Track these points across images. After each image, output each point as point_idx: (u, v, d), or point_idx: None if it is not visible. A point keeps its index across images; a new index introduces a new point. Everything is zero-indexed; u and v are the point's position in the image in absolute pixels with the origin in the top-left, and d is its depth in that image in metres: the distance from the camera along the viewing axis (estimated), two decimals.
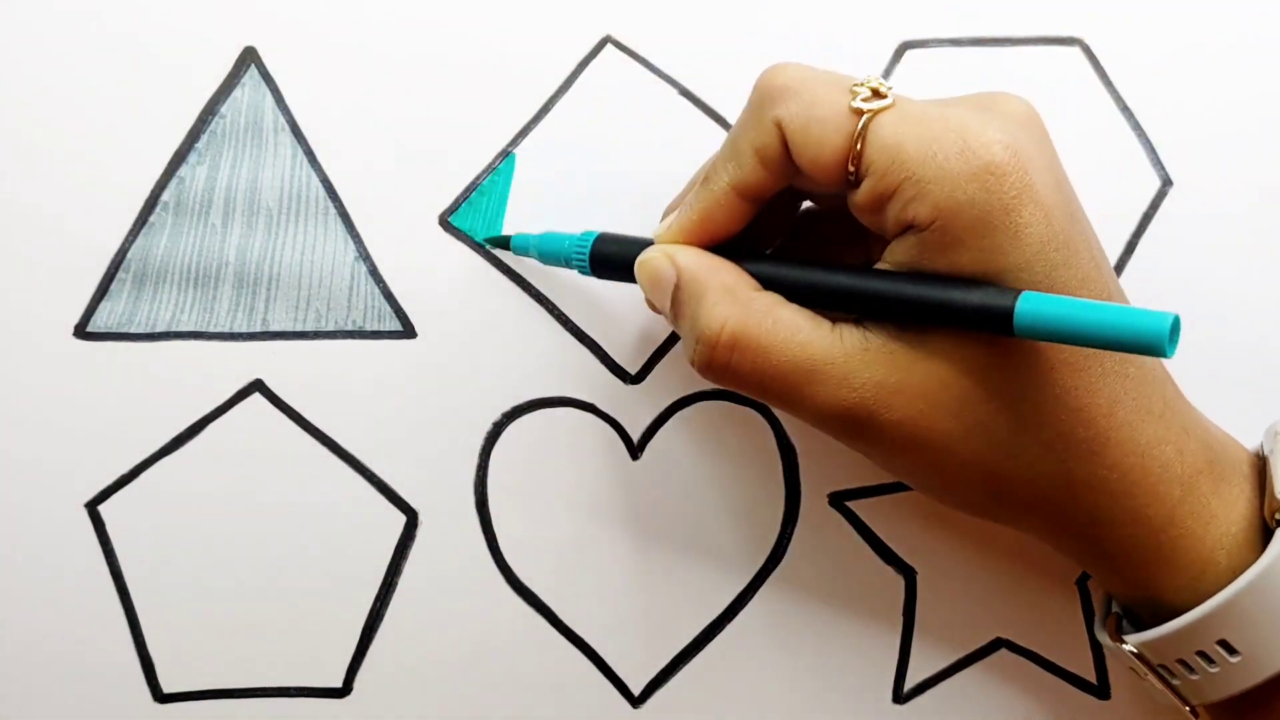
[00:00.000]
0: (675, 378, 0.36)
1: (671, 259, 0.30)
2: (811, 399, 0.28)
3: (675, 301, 0.29)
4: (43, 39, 0.35)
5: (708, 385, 0.35)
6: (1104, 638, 0.31)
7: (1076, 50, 0.36)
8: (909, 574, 0.36)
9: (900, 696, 0.36)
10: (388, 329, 0.35)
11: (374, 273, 0.35)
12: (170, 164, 0.35)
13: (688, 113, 0.36)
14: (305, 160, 0.35)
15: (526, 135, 0.36)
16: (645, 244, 0.31)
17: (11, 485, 0.35)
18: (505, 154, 0.36)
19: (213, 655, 0.35)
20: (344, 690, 0.35)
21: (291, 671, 0.35)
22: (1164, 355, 0.24)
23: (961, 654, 0.36)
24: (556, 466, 0.35)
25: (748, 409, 0.36)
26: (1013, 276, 0.26)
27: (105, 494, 0.35)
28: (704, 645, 0.36)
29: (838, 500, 0.36)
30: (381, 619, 0.35)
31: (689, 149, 0.36)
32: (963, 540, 0.36)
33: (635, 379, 0.36)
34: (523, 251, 0.34)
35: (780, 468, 0.36)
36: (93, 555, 0.35)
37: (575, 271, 0.33)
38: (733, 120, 0.36)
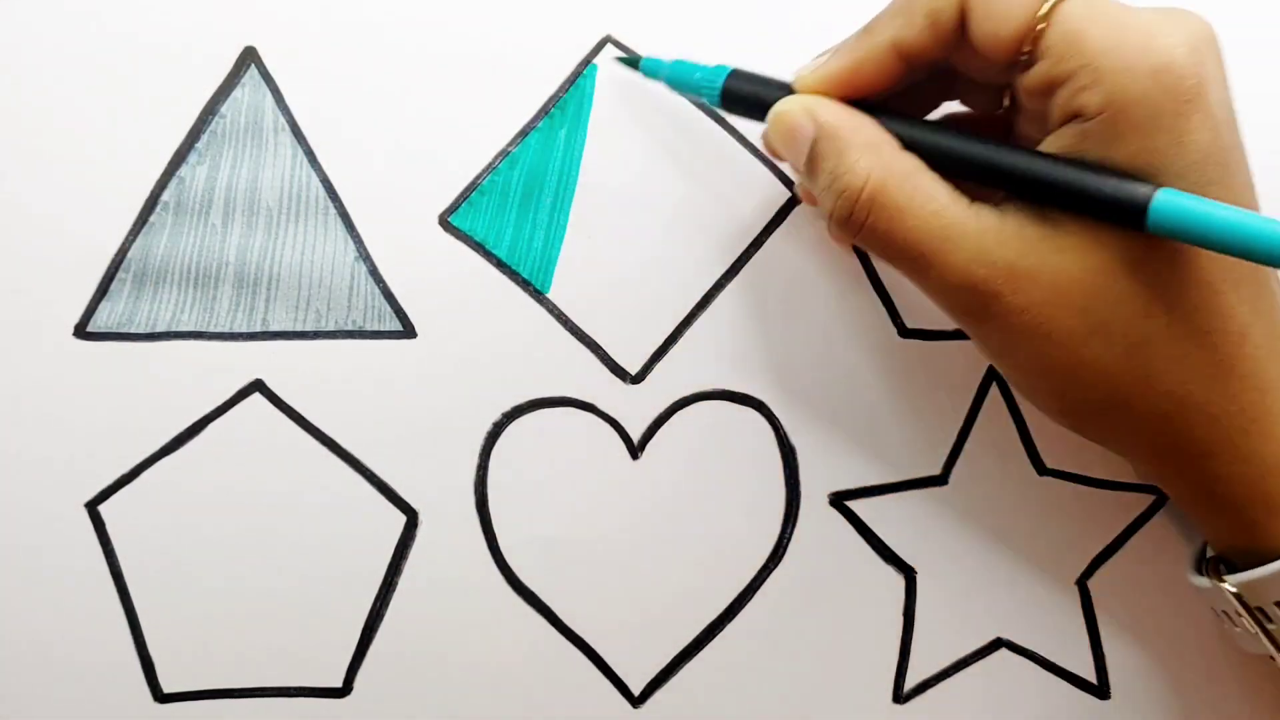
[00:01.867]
0: (675, 378, 0.36)
1: (812, 114, 0.29)
2: (941, 269, 0.27)
3: (813, 155, 0.29)
4: (42, 39, 0.35)
5: (708, 385, 0.35)
6: (1199, 580, 0.31)
7: None
8: (909, 574, 0.36)
9: (900, 696, 0.36)
10: (388, 329, 0.35)
11: (374, 273, 0.35)
12: (170, 164, 0.35)
13: (688, 112, 0.36)
14: (305, 160, 0.35)
15: (527, 135, 0.36)
16: (782, 87, 0.30)
17: (11, 485, 0.35)
18: (504, 154, 0.36)
19: (213, 655, 0.35)
20: (344, 690, 0.35)
21: (291, 671, 0.35)
22: None
23: (961, 654, 0.36)
24: (556, 466, 0.35)
25: (748, 409, 0.36)
26: (1168, 181, 0.26)
27: (105, 494, 0.35)
28: (704, 645, 0.36)
29: (838, 500, 0.36)
30: (381, 619, 0.35)
31: (688, 148, 0.36)
32: (963, 540, 0.36)
33: (635, 379, 0.36)
34: (652, 75, 0.34)
35: (780, 468, 0.36)
36: (93, 555, 0.35)
37: (705, 100, 0.32)
38: (733, 119, 0.36)
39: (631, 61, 0.35)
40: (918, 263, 0.28)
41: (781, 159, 0.30)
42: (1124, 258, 0.27)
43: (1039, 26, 0.27)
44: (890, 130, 0.29)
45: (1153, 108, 0.26)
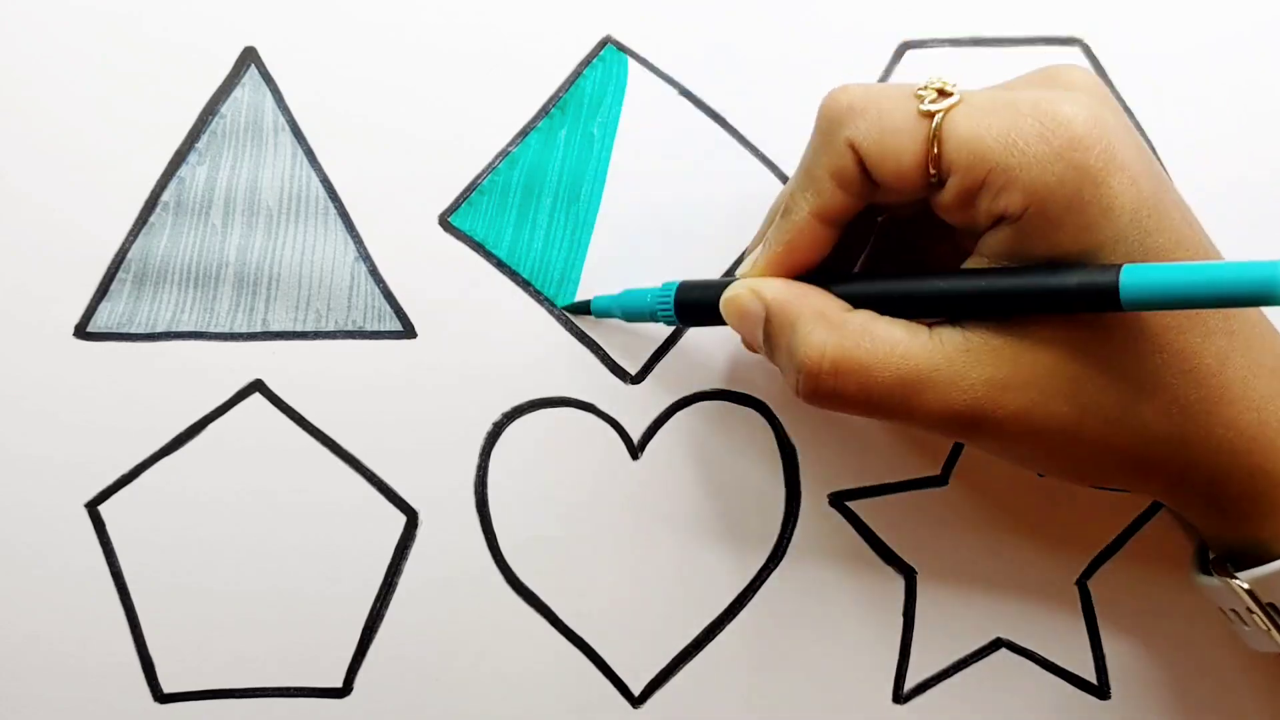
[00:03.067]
0: (675, 378, 0.36)
1: (757, 292, 0.30)
2: (922, 408, 0.28)
3: (767, 334, 0.29)
4: (42, 39, 0.35)
5: (707, 385, 0.35)
6: (1204, 579, 0.31)
7: (1076, 50, 0.36)
8: (909, 574, 0.36)
9: (900, 696, 0.36)
10: (388, 329, 0.35)
11: (374, 273, 0.35)
12: (170, 164, 0.35)
13: (688, 113, 0.36)
14: (305, 160, 0.35)
15: (527, 135, 0.36)
16: (729, 285, 0.31)
17: (12, 485, 0.35)
18: (504, 154, 0.36)
19: (213, 655, 0.35)
20: (344, 690, 0.35)
21: (291, 671, 0.35)
22: (1275, 303, 0.23)
23: (961, 654, 0.36)
24: (556, 466, 0.35)
25: (748, 409, 0.36)
26: (1109, 249, 0.26)
27: (105, 494, 0.35)
28: (704, 645, 0.36)
29: (838, 500, 0.36)
30: (381, 619, 0.35)
31: (689, 149, 0.36)
32: (963, 540, 0.36)
33: (635, 379, 0.36)
34: (604, 314, 0.35)
35: (780, 468, 0.36)
36: (93, 555, 0.35)
37: (662, 325, 0.33)
38: (732, 119, 0.36)
39: (581, 306, 0.35)
40: (898, 410, 0.28)
41: (753, 349, 0.31)
42: (1092, 333, 0.27)
43: (934, 149, 0.27)
44: (837, 292, 0.29)
45: (1072, 188, 0.26)
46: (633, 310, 0.34)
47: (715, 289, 0.31)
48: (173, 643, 0.35)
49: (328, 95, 0.35)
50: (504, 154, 0.36)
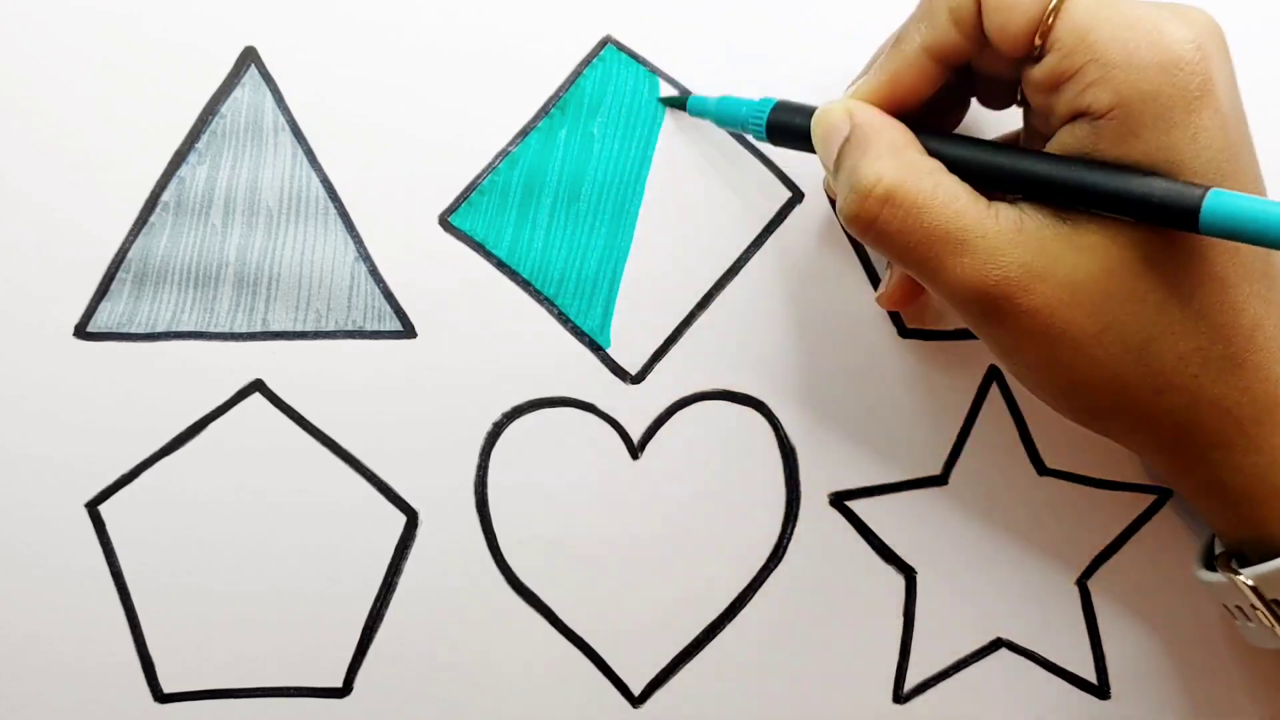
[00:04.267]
0: (675, 378, 0.36)
1: (849, 111, 0.29)
2: (954, 269, 0.27)
3: (841, 153, 0.29)
4: (42, 39, 0.35)
5: (707, 385, 0.35)
6: (1208, 575, 0.31)
7: None
8: (909, 574, 0.36)
9: (900, 696, 0.36)
10: (388, 329, 0.35)
11: (374, 273, 0.35)
12: (170, 164, 0.35)
13: (688, 114, 0.36)
14: (305, 160, 0.35)
15: (527, 135, 0.36)
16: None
17: (12, 485, 0.35)
18: (504, 154, 0.36)
19: (213, 655, 0.35)
20: (344, 690, 0.35)
21: (291, 671, 0.35)
22: None
23: (961, 654, 0.36)
24: (556, 466, 0.35)
25: (748, 409, 0.36)
26: (1183, 176, 0.26)
27: (105, 494, 0.35)
28: (704, 645, 0.36)
29: (838, 500, 0.36)
30: (381, 619, 0.35)
31: (689, 149, 0.36)
32: (963, 540, 0.36)
33: (635, 379, 0.36)
34: (699, 113, 0.34)
35: (780, 468, 0.36)
36: (93, 555, 0.35)
37: (751, 137, 0.33)
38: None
39: (678, 101, 0.35)
40: (930, 263, 0.28)
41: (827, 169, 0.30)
42: (1140, 255, 0.27)
43: (1048, 20, 0.27)
44: (924, 142, 0.29)
45: (1164, 104, 0.26)
46: (726, 117, 0.33)
47: (807, 114, 0.31)
48: (173, 643, 0.35)
49: (328, 95, 0.35)
50: (504, 154, 0.36)
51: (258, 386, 0.35)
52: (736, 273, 0.36)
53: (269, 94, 0.35)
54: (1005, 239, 0.27)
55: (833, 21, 0.36)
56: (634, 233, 0.36)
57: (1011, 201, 0.28)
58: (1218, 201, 0.25)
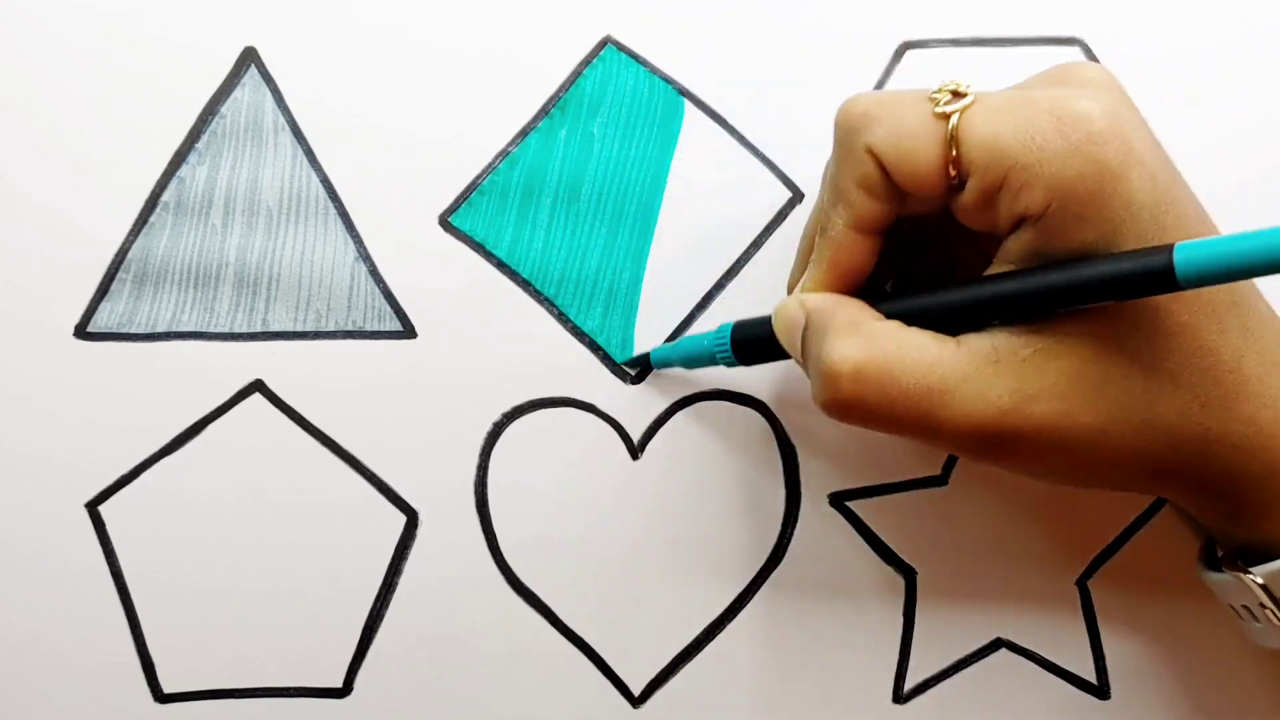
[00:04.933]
0: (675, 378, 0.36)
1: (801, 303, 0.30)
2: (948, 420, 0.27)
3: (804, 343, 0.29)
4: (42, 39, 0.35)
5: (707, 385, 0.35)
6: (1213, 575, 0.31)
7: (1076, 50, 0.36)
8: (909, 574, 0.36)
9: (900, 696, 0.36)
10: (388, 329, 0.35)
11: (374, 273, 0.35)
12: (170, 164, 0.35)
13: (688, 114, 0.36)
14: (305, 160, 0.35)
15: (527, 135, 0.36)
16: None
17: (12, 485, 0.35)
18: (504, 154, 0.36)
19: (213, 655, 0.35)
20: (344, 690, 0.35)
21: (291, 671, 0.35)
22: None
23: (961, 654, 0.36)
24: (556, 466, 0.35)
25: (748, 409, 0.36)
26: (1132, 242, 0.26)
27: (105, 494, 0.35)
28: (704, 645, 0.36)
29: (838, 500, 0.36)
30: (381, 619, 0.35)
31: (689, 149, 0.36)
32: (963, 540, 0.36)
33: (635, 379, 0.36)
34: (663, 365, 0.35)
35: (780, 468, 0.36)
36: (93, 555, 0.35)
37: (723, 367, 0.33)
38: (732, 119, 0.36)
39: (639, 360, 0.35)
40: (921, 422, 0.28)
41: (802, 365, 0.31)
42: (1112, 336, 0.27)
43: (952, 151, 0.27)
44: (880, 309, 0.29)
45: (1093, 183, 0.26)
46: (691, 358, 0.34)
47: (767, 323, 0.31)
48: (173, 643, 0.35)
49: (328, 95, 0.35)
50: (504, 154, 0.36)
51: (258, 386, 0.35)
52: (736, 273, 0.36)
53: (269, 94, 0.35)
54: (986, 374, 0.27)
55: (833, 21, 0.36)
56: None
57: (977, 332, 0.28)
58: (1187, 253, 0.25)
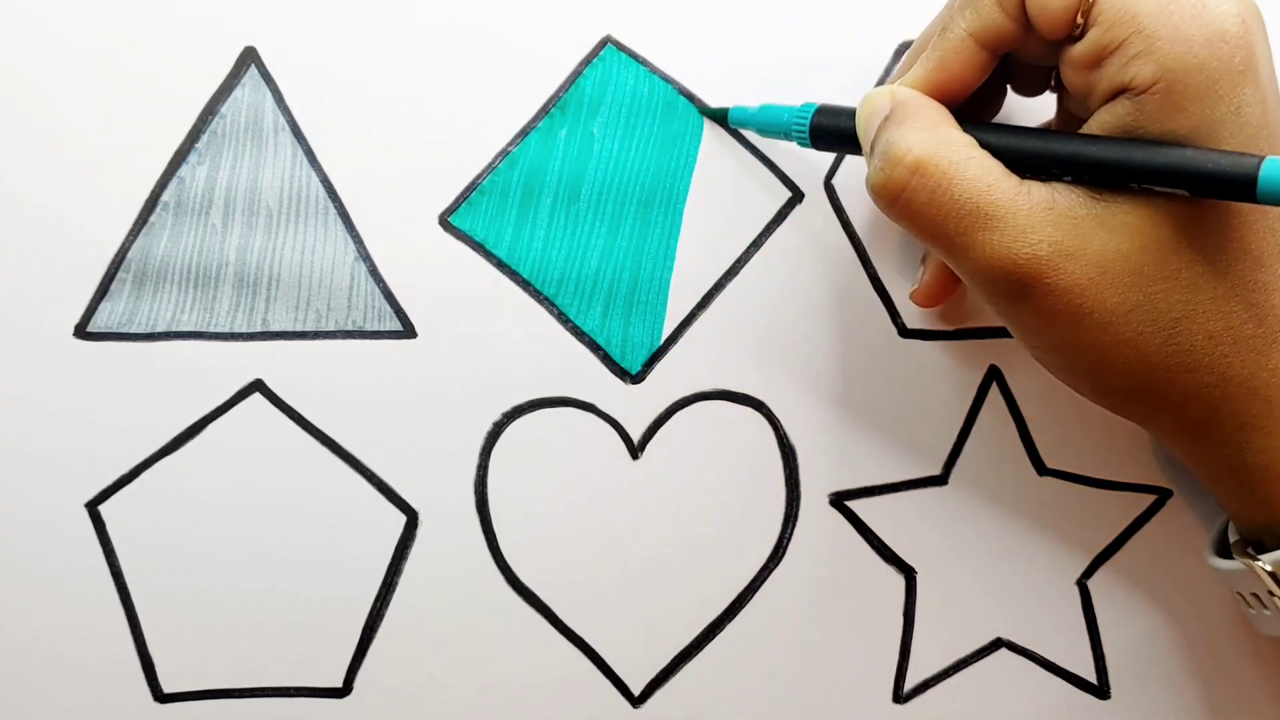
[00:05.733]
0: (675, 378, 0.36)
1: (892, 93, 0.29)
2: (982, 246, 0.27)
3: (880, 129, 0.29)
4: (43, 39, 0.35)
5: (707, 385, 0.35)
6: (1221, 562, 0.31)
7: None
8: (909, 574, 0.36)
9: (900, 696, 0.36)
10: (388, 329, 0.35)
11: (374, 273, 0.35)
12: (170, 164, 0.35)
13: (688, 113, 0.36)
14: (305, 160, 0.35)
15: (527, 135, 0.36)
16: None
17: (12, 485, 0.35)
18: (505, 153, 0.36)
19: (213, 655, 0.35)
20: (344, 690, 0.35)
21: (291, 671, 0.35)
22: None
23: (961, 654, 0.36)
24: (556, 466, 0.35)
25: (748, 409, 0.36)
26: (1225, 150, 0.26)
27: (105, 494, 0.35)
28: (704, 645, 0.36)
29: (838, 500, 0.36)
30: (381, 619, 0.35)
31: (688, 150, 0.36)
32: (963, 540, 0.36)
33: (635, 379, 0.36)
34: (740, 124, 0.34)
35: (780, 468, 0.36)
36: (93, 555, 0.35)
37: (795, 144, 0.33)
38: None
39: (719, 113, 0.35)
40: (957, 238, 0.27)
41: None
42: (1174, 232, 0.27)
43: None
44: (964, 126, 0.29)
45: (1209, 78, 0.26)
46: (769, 125, 0.33)
47: (849, 114, 0.31)
48: (173, 643, 0.35)
49: (328, 95, 0.35)
50: (504, 154, 0.36)
51: (258, 386, 0.35)
52: (736, 273, 0.36)
53: (269, 94, 0.35)
54: (1036, 216, 0.27)
55: (833, 21, 0.36)
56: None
57: (1045, 181, 0.28)
58: (1274, 168, 0.25)
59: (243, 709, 0.35)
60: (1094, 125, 0.28)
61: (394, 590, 0.35)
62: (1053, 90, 0.32)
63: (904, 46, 0.36)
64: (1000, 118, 0.34)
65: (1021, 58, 0.30)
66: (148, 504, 0.35)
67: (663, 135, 0.36)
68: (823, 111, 0.32)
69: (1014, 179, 0.28)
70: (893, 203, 0.28)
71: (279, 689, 0.35)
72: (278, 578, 0.35)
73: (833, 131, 0.31)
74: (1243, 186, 0.25)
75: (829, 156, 0.36)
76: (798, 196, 0.36)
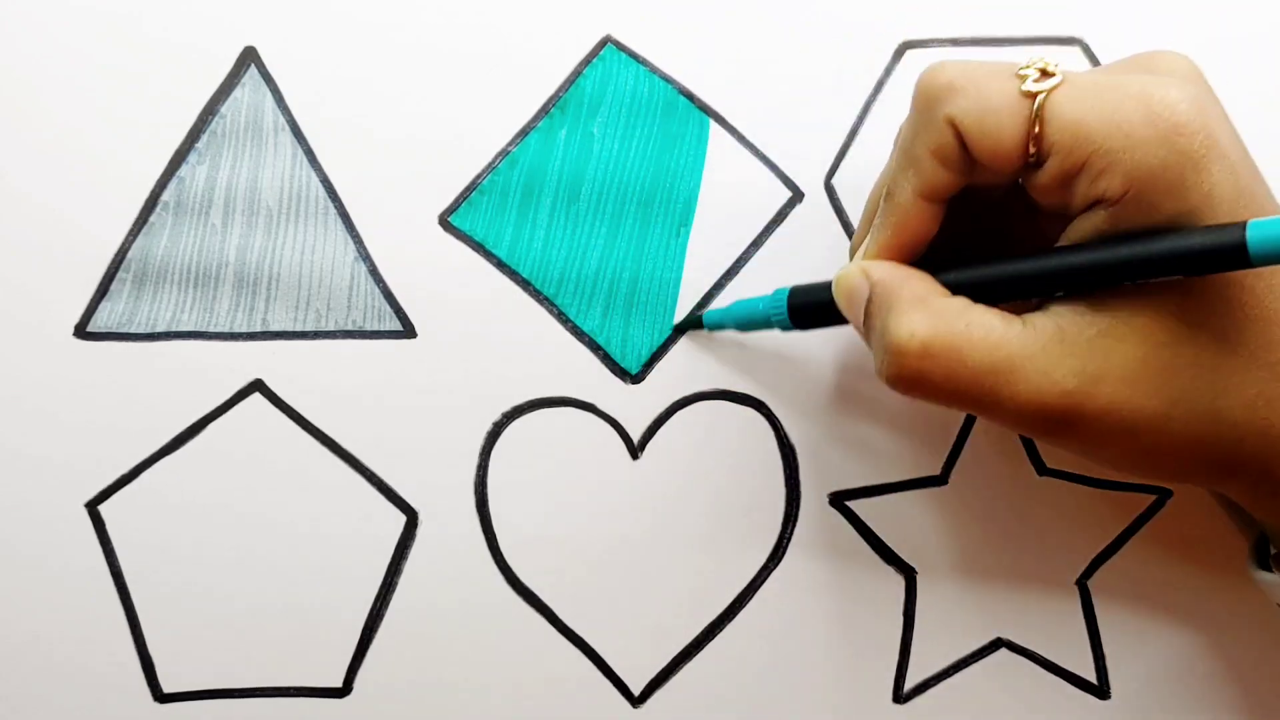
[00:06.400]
0: (675, 378, 0.36)
1: (865, 271, 0.29)
2: (1012, 399, 0.27)
3: (867, 314, 0.29)
4: (42, 39, 0.35)
5: (707, 385, 0.35)
6: (1266, 576, 0.31)
7: (1076, 50, 0.36)
8: (909, 574, 0.36)
9: (900, 696, 0.36)
10: (388, 329, 0.35)
11: (374, 273, 0.35)
12: (170, 164, 0.35)
13: (688, 113, 0.36)
14: (305, 160, 0.35)
15: (527, 135, 0.36)
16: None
17: (12, 485, 0.35)
18: (504, 153, 0.36)
19: (213, 655, 0.35)
20: (344, 690, 0.35)
21: (291, 671, 0.35)
22: None
23: (961, 654, 0.36)
24: (556, 466, 0.35)
25: (748, 409, 0.36)
26: None
27: (105, 494, 0.35)
28: (704, 645, 0.36)
29: (838, 500, 0.36)
30: (381, 619, 0.35)
31: (689, 150, 0.36)
32: (963, 540, 0.36)
33: (635, 379, 0.36)
34: (716, 326, 0.35)
35: (780, 468, 0.36)
36: (93, 555, 0.35)
37: (777, 330, 0.33)
38: (733, 119, 0.36)
39: (692, 321, 0.35)
40: (985, 399, 0.28)
41: (860, 332, 0.30)
42: (1183, 322, 0.27)
43: (1035, 130, 0.27)
44: (943, 280, 0.29)
45: (1175, 173, 0.26)
46: (745, 321, 0.34)
47: (825, 289, 0.31)
48: (173, 643, 0.35)
49: (328, 95, 0.35)
50: (504, 154, 0.36)
51: (258, 386, 0.35)
52: (736, 273, 0.36)
53: (269, 94, 0.35)
54: (1052, 353, 0.27)
55: (833, 21, 0.36)
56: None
57: (1041, 310, 0.28)
58: (1260, 229, 0.25)
59: (243, 709, 0.35)
60: (1073, 235, 0.28)
61: (394, 590, 0.35)
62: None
63: (904, 46, 0.36)
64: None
65: (980, 187, 0.30)
66: (148, 504, 0.35)
67: (663, 135, 0.36)
68: (795, 293, 0.32)
69: (1017, 323, 0.28)
70: (913, 388, 0.28)
71: (279, 689, 0.35)
72: (278, 577, 0.35)
73: (812, 306, 0.32)
74: (1235, 254, 0.25)
75: (829, 154, 0.36)
76: (798, 196, 0.36)
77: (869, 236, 0.30)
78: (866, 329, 0.29)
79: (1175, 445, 0.28)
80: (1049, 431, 0.28)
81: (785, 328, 0.33)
